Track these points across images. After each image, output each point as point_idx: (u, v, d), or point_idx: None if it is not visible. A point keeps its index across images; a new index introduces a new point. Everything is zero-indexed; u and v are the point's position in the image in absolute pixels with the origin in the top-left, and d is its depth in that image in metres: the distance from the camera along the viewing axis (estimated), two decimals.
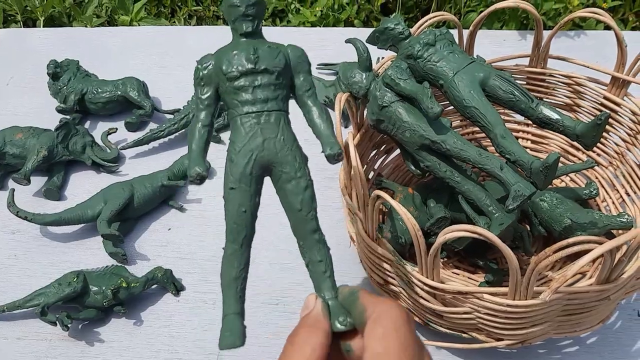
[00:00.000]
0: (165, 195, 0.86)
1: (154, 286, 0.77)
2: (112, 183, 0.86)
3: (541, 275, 0.71)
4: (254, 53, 0.49)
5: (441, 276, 0.60)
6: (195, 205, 0.88)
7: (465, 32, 0.78)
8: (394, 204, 0.56)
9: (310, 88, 0.52)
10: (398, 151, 0.86)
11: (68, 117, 0.93)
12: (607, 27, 1.15)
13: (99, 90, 0.97)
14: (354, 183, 0.62)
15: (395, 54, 0.74)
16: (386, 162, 0.86)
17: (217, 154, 0.94)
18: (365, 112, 0.76)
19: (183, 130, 0.95)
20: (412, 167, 0.71)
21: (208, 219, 0.86)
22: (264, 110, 0.49)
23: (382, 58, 0.99)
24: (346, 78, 0.72)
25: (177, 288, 0.77)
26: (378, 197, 0.59)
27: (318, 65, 1.05)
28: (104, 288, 0.73)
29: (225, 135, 0.96)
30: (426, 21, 0.74)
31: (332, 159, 0.50)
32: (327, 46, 1.09)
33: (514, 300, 0.58)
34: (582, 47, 1.07)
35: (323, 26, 1.20)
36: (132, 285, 0.74)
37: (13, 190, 0.81)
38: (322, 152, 0.50)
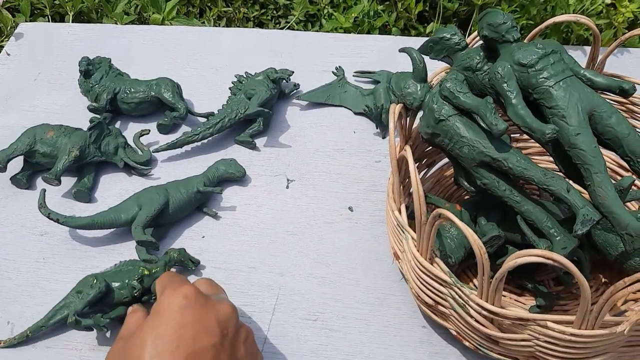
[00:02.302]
0: (199, 201, 0.83)
1: (173, 269, 0.76)
2: (144, 187, 0.83)
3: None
4: (539, 46, 0.62)
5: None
6: (230, 213, 0.85)
7: None
8: (460, 224, 0.54)
9: None
10: (439, 165, 0.84)
11: (99, 116, 0.90)
12: None
13: (132, 90, 0.94)
14: (413, 199, 0.59)
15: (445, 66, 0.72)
16: (427, 176, 0.83)
17: (251, 160, 0.91)
18: (414, 124, 0.74)
19: (218, 134, 0.92)
20: (466, 184, 0.68)
21: (243, 227, 0.83)
22: (565, 77, 0.61)
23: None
24: (399, 88, 0.69)
25: (194, 263, 0.77)
26: (439, 215, 0.57)
27: (355, 72, 1.03)
28: (127, 281, 0.71)
29: (259, 141, 0.94)
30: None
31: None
32: (363, 53, 1.06)
33: (579, 329, 0.55)
34: (624, 64, 1.04)
35: (357, 33, 1.17)
36: (154, 271, 0.73)
37: (44, 190, 0.78)
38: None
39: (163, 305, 0.56)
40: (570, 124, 0.59)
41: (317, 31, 1.23)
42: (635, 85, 0.62)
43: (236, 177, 0.87)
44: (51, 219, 0.77)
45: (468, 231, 0.53)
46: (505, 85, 0.61)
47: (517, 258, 0.52)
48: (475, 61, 0.66)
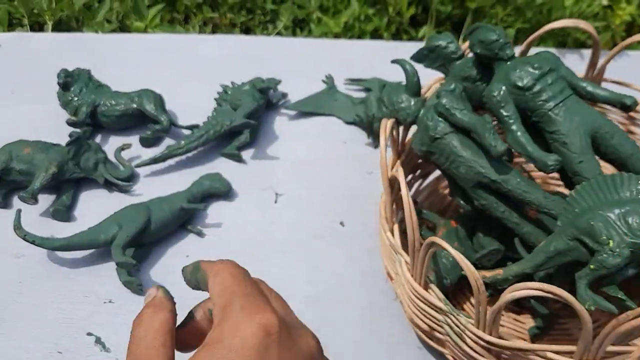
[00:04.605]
0: (183, 219, 0.80)
1: None
2: (125, 204, 0.79)
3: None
4: (535, 65, 0.59)
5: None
6: (215, 230, 0.81)
7: None
8: (455, 254, 0.50)
9: None
10: (433, 175, 0.81)
11: (78, 130, 0.86)
12: None
13: (113, 102, 0.91)
14: (407, 226, 0.56)
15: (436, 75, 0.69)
16: (421, 187, 0.80)
17: (238, 174, 0.88)
18: (407, 137, 0.71)
19: (202, 147, 0.88)
20: (462, 203, 0.65)
21: (229, 244, 0.80)
22: (564, 98, 0.58)
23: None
24: (392, 103, 0.65)
25: None
26: (432, 244, 0.53)
27: (346, 80, 0.99)
28: None
29: (246, 154, 0.90)
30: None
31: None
32: (354, 60, 1.03)
33: None
34: (625, 68, 1.01)
35: (348, 38, 1.14)
36: None
37: (20, 211, 0.74)
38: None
39: (234, 339, 0.37)
40: (573, 151, 0.56)
41: (306, 36, 1.20)
42: (638, 100, 0.59)
43: (222, 192, 0.83)
44: (27, 241, 0.73)
45: (464, 262, 0.50)
46: (502, 110, 0.58)
47: (514, 292, 0.49)
48: (474, 71, 0.63)
